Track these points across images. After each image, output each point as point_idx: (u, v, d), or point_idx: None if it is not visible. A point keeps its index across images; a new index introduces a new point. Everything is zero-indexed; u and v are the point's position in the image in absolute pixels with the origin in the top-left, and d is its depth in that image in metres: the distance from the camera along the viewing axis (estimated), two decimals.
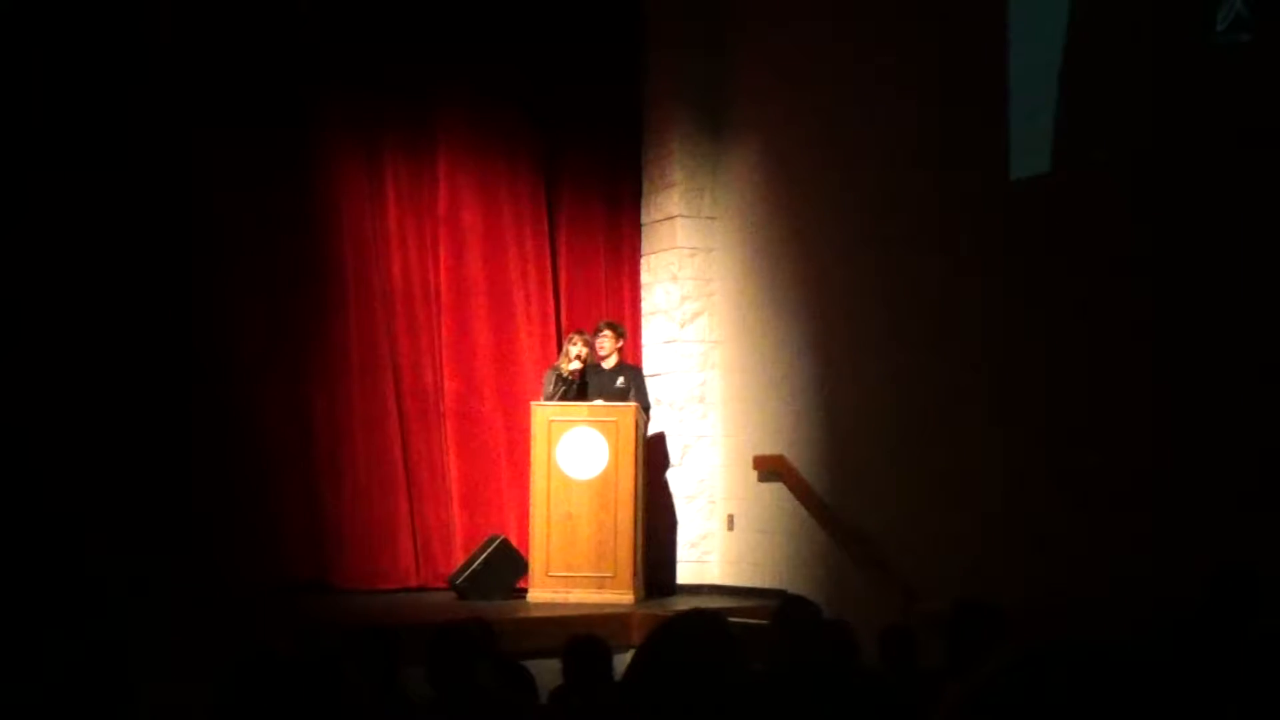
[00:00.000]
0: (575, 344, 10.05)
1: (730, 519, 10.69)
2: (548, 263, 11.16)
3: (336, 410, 10.23)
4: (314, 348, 10.20)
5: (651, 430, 10.50)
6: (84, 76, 9.24)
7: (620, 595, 9.34)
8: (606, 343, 10.17)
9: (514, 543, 10.07)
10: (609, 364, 10.18)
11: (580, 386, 10.04)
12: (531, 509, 9.69)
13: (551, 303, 11.15)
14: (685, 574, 10.80)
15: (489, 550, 9.90)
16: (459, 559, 10.34)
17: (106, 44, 9.35)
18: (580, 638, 5.38)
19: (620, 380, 10.08)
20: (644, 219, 11.36)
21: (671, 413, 10.94)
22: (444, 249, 10.75)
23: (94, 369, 9.14)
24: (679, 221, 10.98)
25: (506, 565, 9.86)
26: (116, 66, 9.37)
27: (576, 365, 9.98)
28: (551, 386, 9.97)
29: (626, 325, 10.84)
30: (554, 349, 10.88)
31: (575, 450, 9.56)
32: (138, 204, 9.42)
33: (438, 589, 10.24)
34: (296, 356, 10.12)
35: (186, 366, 9.58)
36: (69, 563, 8.51)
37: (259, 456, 9.87)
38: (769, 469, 10.29)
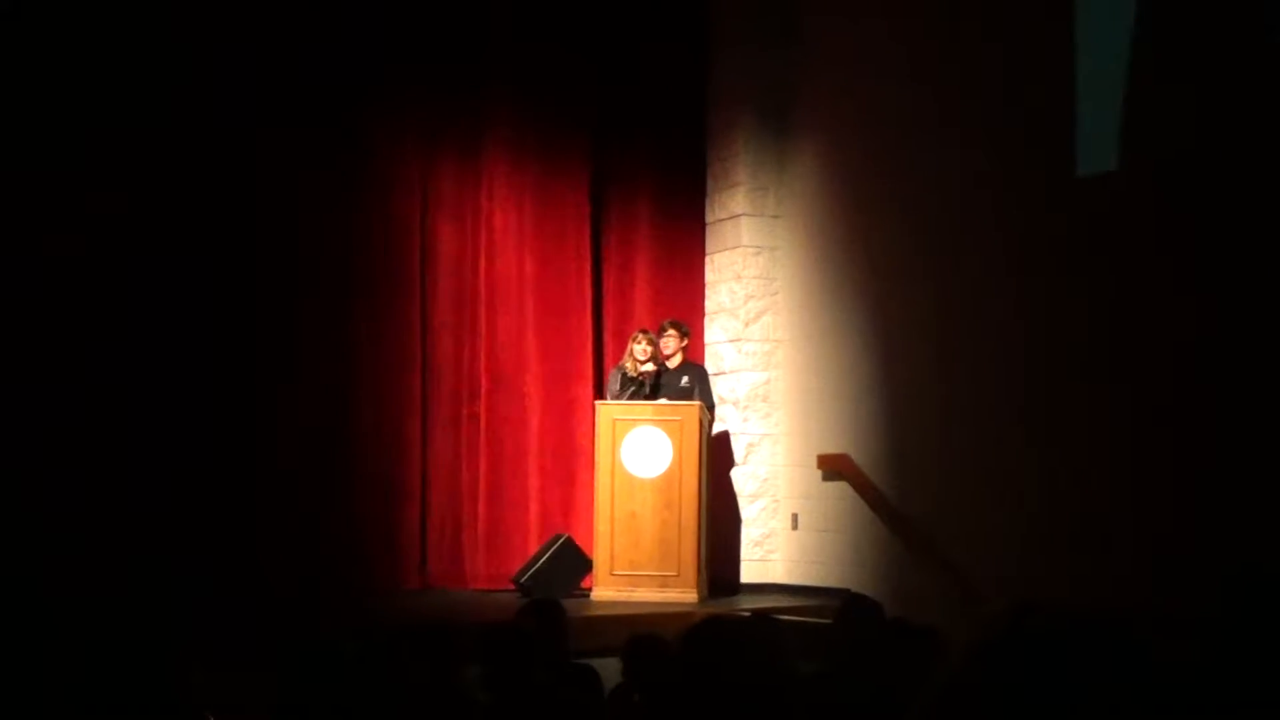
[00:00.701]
0: (640, 343, 10.04)
1: (794, 518, 10.65)
2: (600, 262, 11.09)
3: (365, 407, 10.16)
4: (347, 346, 10.15)
5: (715, 429, 10.48)
6: (126, 77, 9.27)
7: (684, 594, 9.34)
8: (671, 342, 10.15)
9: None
10: (673, 363, 10.16)
11: (653, 386, 10.02)
12: (596, 507, 9.71)
13: (603, 302, 11.09)
14: (749, 573, 10.77)
15: (554, 548, 9.89)
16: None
17: (144, 44, 9.37)
18: (640, 637, 5.38)
19: (685, 380, 10.06)
20: (708, 218, 11.32)
21: (735, 412, 10.90)
22: (495, 249, 10.67)
23: (120, 366, 9.15)
24: (743, 220, 10.92)
25: (571, 564, 9.84)
26: (156, 67, 9.39)
27: (650, 366, 9.98)
28: (618, 386, 10.00)
29: (690, 324, 10.76)
30: (597, 348, 10.87)
31: (640, 449, 9.56)
32: (167, 207, 9.41)
33: (476, 590, 10.23)
34: (329, 354, 10.07)
35: (218, 363, 9.56)
36: (96, 561, 8.58)
37: (289, 455, 9.83)
38: (833, 468, 10.23)
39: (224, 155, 9.63)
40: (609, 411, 9.72)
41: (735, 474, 10.90)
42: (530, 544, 10.37)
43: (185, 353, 9.41)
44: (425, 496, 10.38)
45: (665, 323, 10.33)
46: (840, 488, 10.17)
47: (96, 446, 9.00)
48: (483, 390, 10.58)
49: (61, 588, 7.82)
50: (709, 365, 10.89)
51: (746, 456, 10.90)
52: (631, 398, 9.88)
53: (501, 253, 10.73)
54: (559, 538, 10.05)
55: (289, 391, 9.87)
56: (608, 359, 10.85)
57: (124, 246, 9.21)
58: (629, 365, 10.01)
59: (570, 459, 10.74)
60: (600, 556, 9.57)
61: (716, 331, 11.18)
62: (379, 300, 10.29)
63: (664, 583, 9.40)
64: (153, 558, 8.87)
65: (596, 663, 5.68)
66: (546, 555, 9.88)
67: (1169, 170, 8.13)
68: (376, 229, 10.31)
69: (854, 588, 9.27)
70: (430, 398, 10.45)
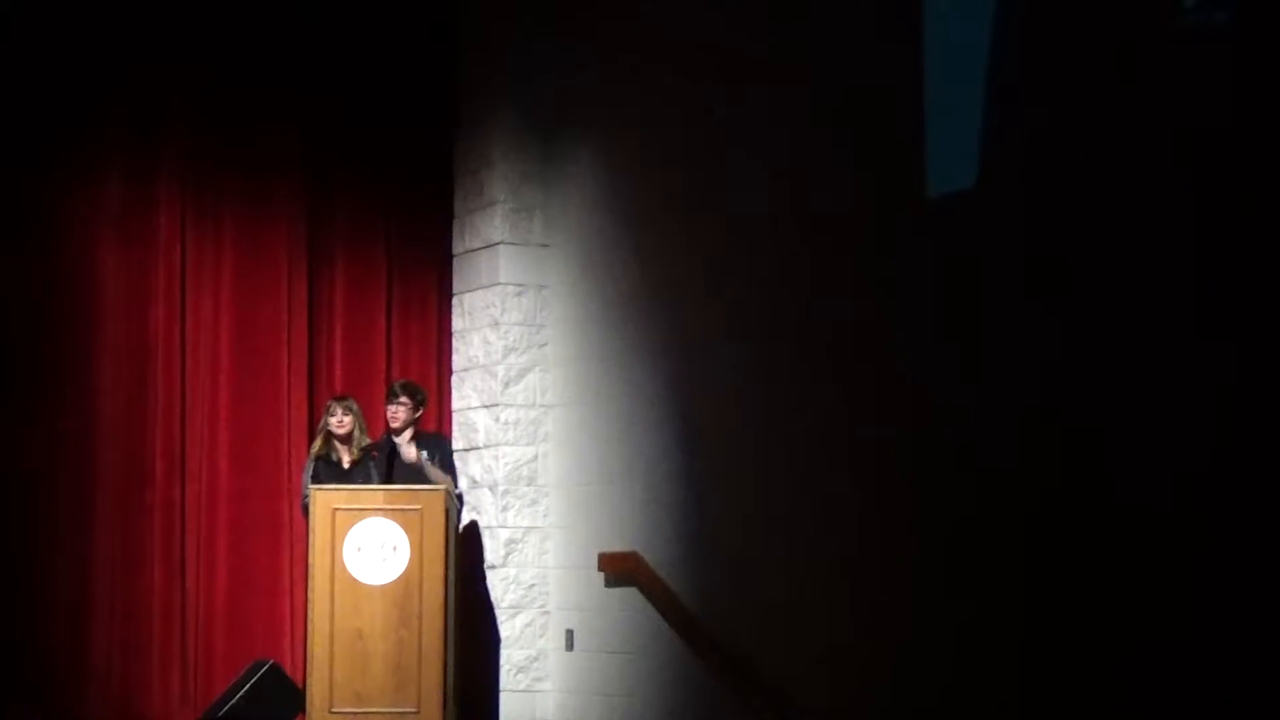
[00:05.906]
0: (334, 414, 9.97)
1: (569, 635, 10.58)
2: (319, 309, 11.10)
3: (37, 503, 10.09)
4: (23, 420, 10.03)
5: (465, 520, 10.48)
6: None
7: None
8: (403, 411, 9.96)
9: (286, 668, 9.96)
10: (404, 438, 9.98)
11: (386, 467, 9.85)
12: (310, 624, 9.46)
13: (326, 362, 11.07)
14: (511, 707, 10.62)
15: (255, 678, 9.73)
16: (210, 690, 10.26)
17: None
18: None
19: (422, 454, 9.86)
20: (456, 248, 11.17)
21: (492, 498, 10.72)
22: (176, 299, 10.65)
23: None
24: (502, 250, 10.85)
25: (277, 697, 9.77)
26: None
27: (364, 442, 9.99)
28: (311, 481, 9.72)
29: (431, 385, 10.74)
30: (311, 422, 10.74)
31: (367, 547, 9.47)
32: None
33: None
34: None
35: None
36: None
37: None
38: (619, 570, 10.11)
39: None
40: (326, 500, 9.45)
41: (492, 579, 10.77)
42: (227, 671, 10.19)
43: None
44: (89, 610, 10.21)
45: (395, 385, 10.16)
46: (628, 595, 10.01)
47: None
48: (159, 475, 10.51)
49: None
50: (457, 439, 10.87)
51: (507, 557, 10.75)
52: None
53: (202, 304, 10.80)
54: (261, 664, 9.83)
55: None
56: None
57: None
58: (319, 448, 10.02)
59: (276, 561, 10.64)
60: (316, 688, 9.37)
61: (468, 394, 11.01)
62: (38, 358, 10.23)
63: None
64: None
65: None
66: (245, 687, 9.69)
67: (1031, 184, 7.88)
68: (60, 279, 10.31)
69: None
70: (97, 484, 10.27)
